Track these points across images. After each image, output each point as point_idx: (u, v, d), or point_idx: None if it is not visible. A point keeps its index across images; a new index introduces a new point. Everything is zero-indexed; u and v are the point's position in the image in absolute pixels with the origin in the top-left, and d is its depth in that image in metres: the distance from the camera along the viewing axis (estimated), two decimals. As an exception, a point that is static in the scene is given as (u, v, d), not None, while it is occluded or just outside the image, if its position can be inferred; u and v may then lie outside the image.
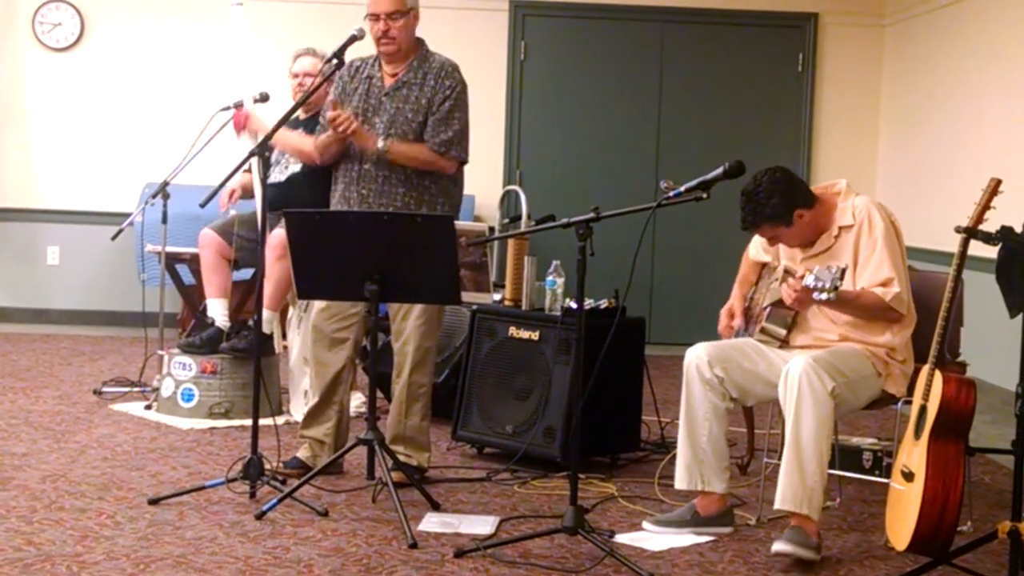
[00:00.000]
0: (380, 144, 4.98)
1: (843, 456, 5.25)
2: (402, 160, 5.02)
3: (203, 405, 6.27)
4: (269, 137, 4.96)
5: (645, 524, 4.67)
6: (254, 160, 5.06)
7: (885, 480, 4.56)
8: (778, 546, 4.22)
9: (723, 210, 6.53)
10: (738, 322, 4.88)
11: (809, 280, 4.12)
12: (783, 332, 4.67)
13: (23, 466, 5.20)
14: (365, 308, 5.11)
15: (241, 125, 6.03)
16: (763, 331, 4.69)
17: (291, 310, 6.58)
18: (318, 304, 5.22)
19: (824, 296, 4.10)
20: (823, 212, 4.61)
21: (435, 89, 5.08)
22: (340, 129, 4.96)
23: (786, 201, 4.52)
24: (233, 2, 6.14)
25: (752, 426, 5.58)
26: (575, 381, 4.33)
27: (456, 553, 4.21)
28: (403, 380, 5.14)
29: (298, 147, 5.86)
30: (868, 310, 4.47)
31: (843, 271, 4.11)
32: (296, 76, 6.45)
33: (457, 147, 5.11)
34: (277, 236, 5.92)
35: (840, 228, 4.58)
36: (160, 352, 6.64)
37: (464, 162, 5.19)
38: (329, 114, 4.99)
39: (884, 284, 4.44)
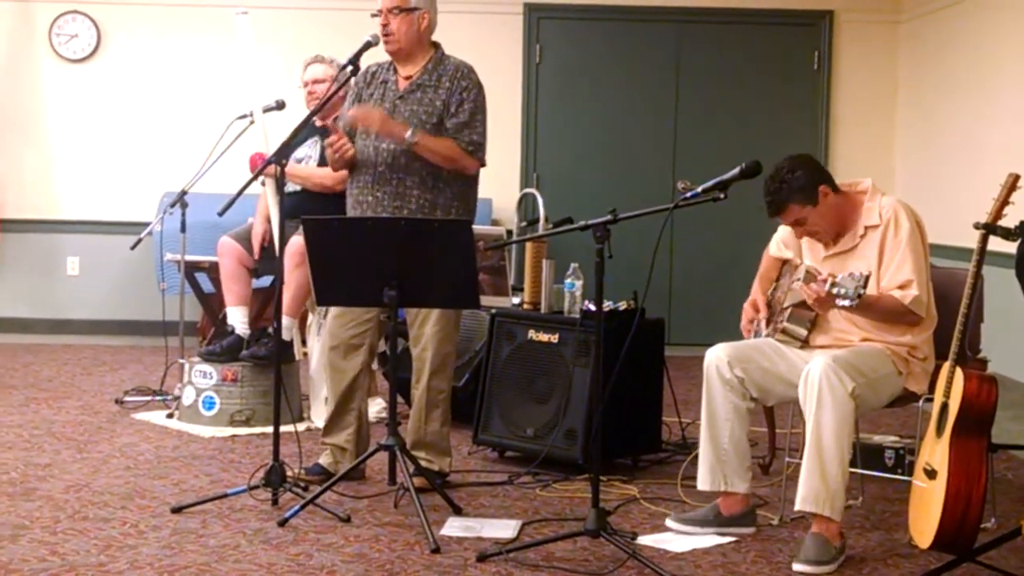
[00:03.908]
0: (408, 134, 4.97)
1: (865, 454, 5.24)
2: (427, 153, 5.00)
3: (224, 413, 6.28)
4: (286, 145, 4.96)
5: (668, 521, 4.67)
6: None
7: (907, 478, 4.55)
8: (797, 567, 4.20)
9: (741, 210, 6.53)
10: (763, 314, 4.85)
11: (833, 287, 4.11)
12: (804, 333, 4.65)
13: (47, 476, 5.22)
14: (380, 313, 5.12)
15: (257, 166, 6.08)
16: (784, 332, 4.68)
17: (311, 317, 6.60)
18: (333, 310, 5.23)
19: (847, 303, 4.08)
20: (848, 205, 4.58)
21: (450, 90, 5.09)
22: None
23: (810, 175, 4.50)
24: (238, 11, 6.17)
25: (773, 426, 5.57)
26: (595, 383, 4.33)
27: (479, 557, 4.21)
28: (422, 386, 5.14)
29: (319, 183, 5.97)
30: (888, 314, 4.45)
31: (867, 278, 4.09)
32: (306, 85, 6.46)
33: (482, 150, 5.12)
34: (295, 243, 5.93)
35: (866, 228, 4.55)
36: (181, 360, 6.66)
37: (483, 165, 5.20)
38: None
39: (903, 286, 4.42)
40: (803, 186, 4.48)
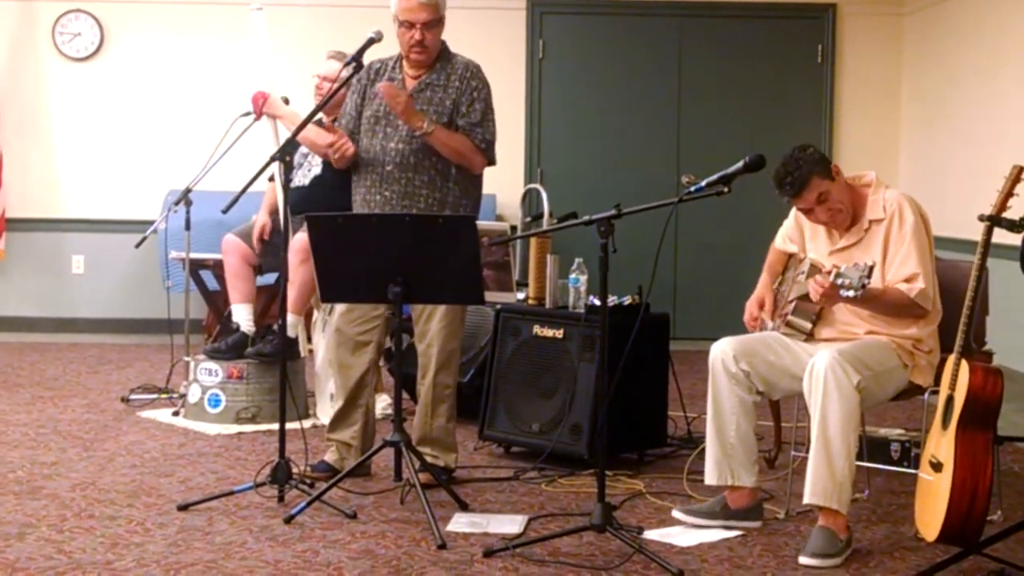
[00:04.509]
0: (424, 124, 4.96)
1: (871, 448, 5.23)
2: (439, 145, 5.00)
3: (230, 410, 6.29)
4: (290, 143, 4.96)
5: (675, 512, 4.68)
6: (275, 164, 5.05)
7: (913, 471, 4.54)
8: (804, 560, 4.20)
9: (746, 204, 6.55)
10: (767, 310, 4.85)
11: (837, 277, 4.10)
12: (809, 326, 4.66)
13: (53, 475, 5.23)
14: (388, 310, 5.12)
15: (260, 106, 6.06)
16: (789, 325, 4.68)
17: (316, 313, 6.60)
18: (340, 307, 5.23)
19: (851, 293, 4.07)
20: (855, 199, 4.58)
21: (460, 90, 5.08)
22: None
23: (821, 154, 4.53)
24: (253, 7, 6.17)
25: (779, 419, 5.57)
26: (600, 378, 4.32)
27: (485, 553, 4.21)
28: (428, 381, 5.14)
29: (312, 140, 5.86)
30: (893, 307, 4.45)
31: (871, 268, 4.09)
32: (316, 77, 6.46)
33: (493, 149, 5.13)
34: (300, 240, 5.93)
35: (871, 222, 4.55)
36: (186, 358, 6.67)
37: (493, 164, 5.20)
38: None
39: (909, 280, 4.42)
40: (820, 159, 4.49)
